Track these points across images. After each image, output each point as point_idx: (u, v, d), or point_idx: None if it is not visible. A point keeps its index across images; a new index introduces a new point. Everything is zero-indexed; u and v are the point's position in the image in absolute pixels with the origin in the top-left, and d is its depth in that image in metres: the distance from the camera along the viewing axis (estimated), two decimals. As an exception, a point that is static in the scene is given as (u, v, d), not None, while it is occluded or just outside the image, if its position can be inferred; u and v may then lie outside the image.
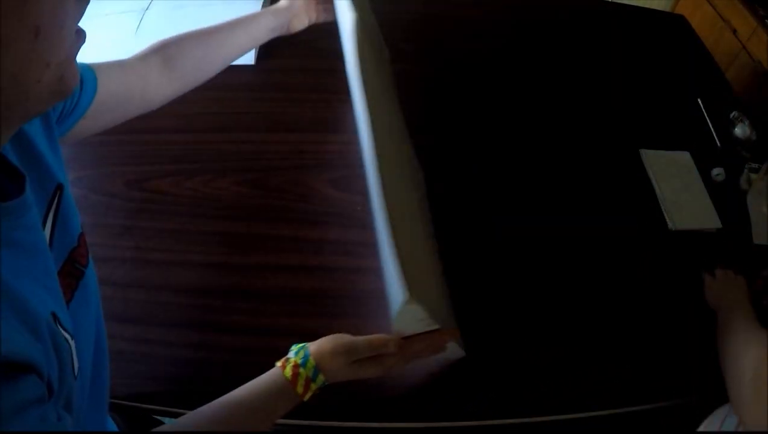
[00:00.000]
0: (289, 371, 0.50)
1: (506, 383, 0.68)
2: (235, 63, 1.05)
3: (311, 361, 0.50)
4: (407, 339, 0.50)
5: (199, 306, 0.75)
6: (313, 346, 0.52)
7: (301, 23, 0.79)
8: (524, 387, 0.70)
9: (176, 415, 0.67)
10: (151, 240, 0.80)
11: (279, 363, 0.52)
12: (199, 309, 0.75)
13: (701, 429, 0.75)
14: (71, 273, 0.45)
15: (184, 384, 0.68)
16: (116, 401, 0.66)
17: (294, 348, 0.53)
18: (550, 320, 0.79)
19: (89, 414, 0.47)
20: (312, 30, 1.18)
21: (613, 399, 0.75)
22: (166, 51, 0.65)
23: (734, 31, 1.92)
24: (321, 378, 0.50)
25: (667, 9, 2.14)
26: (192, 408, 0.67)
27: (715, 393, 0.75)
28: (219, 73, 1.03)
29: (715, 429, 0.71)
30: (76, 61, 0.34)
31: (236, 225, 0.84)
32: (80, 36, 0.34)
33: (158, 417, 0.79)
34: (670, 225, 0.94)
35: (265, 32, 0.74)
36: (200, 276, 0.78)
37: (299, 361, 0.50)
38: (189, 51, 0.68)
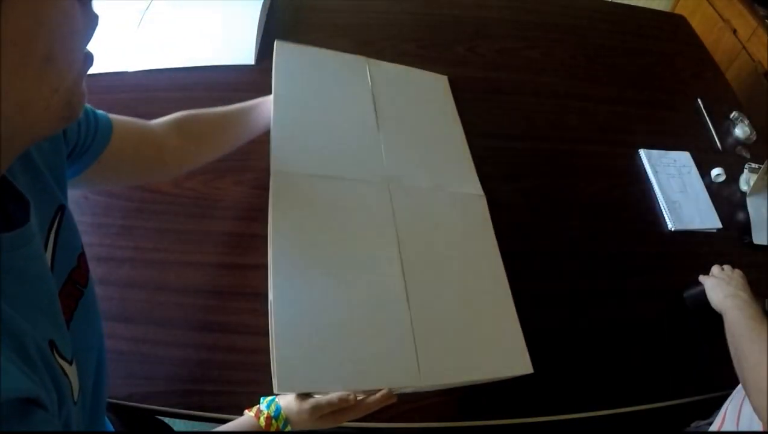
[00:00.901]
0: (263, 421, 0.56)
1: (506, 383, 0.68)
2: (234, 63, 1.07)
3: (282, 415, 0.57)
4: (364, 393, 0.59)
5: (199, 306, 0.75)
6: (283, 402, 0.58)
7: None
8: (524, 387, 0.70)
9: (176, 415, 0.67)
10: (151, 240, 0.80)
11: (252, 413, 0.58)
12: (199, 309, 0.74)
13: (713, 428, 0.73)
14: (71, 294, 0.44)
15: (183, 384, 0.68)
16: (116, 401, 0.66)
17: (264, 400, 0.58)
18: (548, 320, 0.79)
19: (88, 423, 0.47)
20: (312, 30, 1.18)
21: (613, 399, 0.75)
22: (183, 120, 0.67)
23: (734, 31, 1.92)
24: (289, 428, 0.57)
25: (667, 9, 2.14)
26: (192, 408, 0.67)
27: (716, 391, 0.76)
28: (219, 73, 1.05)
29: (733, 426, 0.69)
30: (83, 85, 0.34)
31: (236, 225, 0.84)
32: (88, 59, 0.33)
33: (159, 418, 0.79)
34: (670, 225, 0.94)
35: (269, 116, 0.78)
36: (200, 276, 0.78)
37: (272, 414, 0.57)
38: (205, 123, 0.70)
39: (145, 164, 0.64)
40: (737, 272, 0.80)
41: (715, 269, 0.83)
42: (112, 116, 0.57)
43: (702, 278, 0.83)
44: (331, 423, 0.59)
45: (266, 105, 0.77)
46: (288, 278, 0.62)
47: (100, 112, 0.56)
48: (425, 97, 0.97)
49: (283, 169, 0.72)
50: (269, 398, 0.58)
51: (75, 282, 0.45)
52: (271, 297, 0.61)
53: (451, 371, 0.64)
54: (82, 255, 0.47)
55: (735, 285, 0.77)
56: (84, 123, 0.52)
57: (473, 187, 0.84)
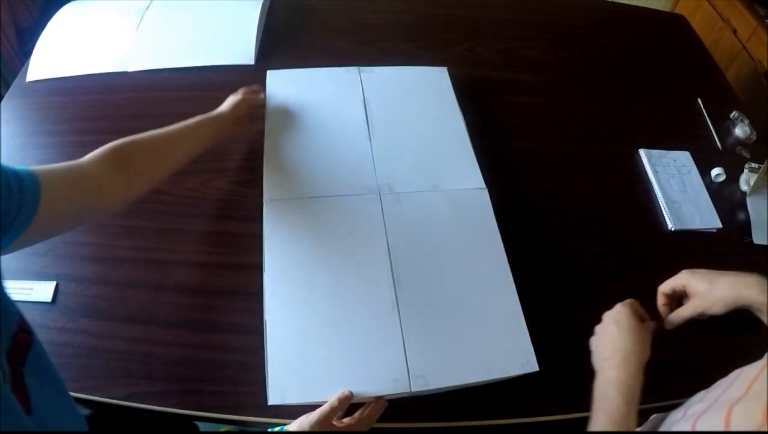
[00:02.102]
0: None
1: (506, 383, 0.68)
2: (234, 63, 1.07)
3: None
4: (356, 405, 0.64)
5: (199, 305, 0.75)
6: (293, 426, 0.60)
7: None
8: (524, 387, 0.70)
9: (175, 415, 0.67)
10: (151, 240, 0.80)
11: None
12: (199, 309, 0.75)
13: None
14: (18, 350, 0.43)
15: (183, 384, 0.68)
16: (114, 401, 0.66)
17: (273, 430, 0.60)
18: (547, 319, 0.79)
19: None
20: (311, 29, 1.18)
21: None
22: (119, 150, 0.64)
23: (734, 31, 1.92)
24: None
25: (667, 9, 2.14)
26: (192, 408, 0.67)
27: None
28: (219, 73, 1.05)
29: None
30: None
31: (236, 225, 0.84)
32: None
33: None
34: (670, 225, 0.94)
35: (211, 135, 0.78)
36: (200, 276, 0.78)
37: None
38: (142, 149, 0.67)
39: (86, 208, 0.59)
40: (647, 326, 0.63)
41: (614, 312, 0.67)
42: (39, 172, 0.50)
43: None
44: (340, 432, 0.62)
45: (207, 124, 0.78)
46: (280, 299, 0.68)
47: (24, 172, 0.49)
48: (424, 93, 0.97)
49: (275, 196, 0.78)
50: (278, 427, 0.60)
51: (18, 349, 0.43)
52: (265, 317, 0.66)
53: (446, 375, 0.65)
54: (22, 319, 0.44)
55: (630, 343, 0.61)
56: (6, 198, 0.46)
57: (474, 180, 0.84)
